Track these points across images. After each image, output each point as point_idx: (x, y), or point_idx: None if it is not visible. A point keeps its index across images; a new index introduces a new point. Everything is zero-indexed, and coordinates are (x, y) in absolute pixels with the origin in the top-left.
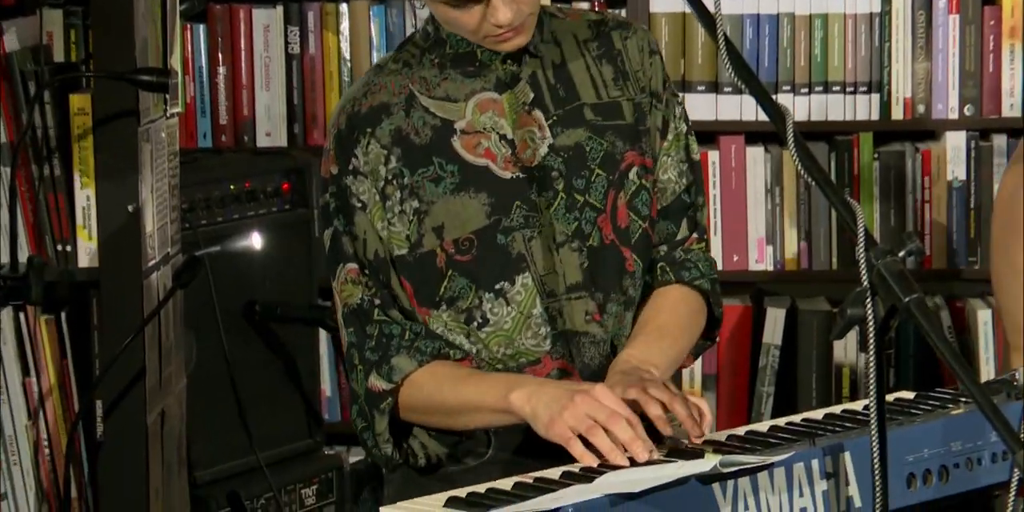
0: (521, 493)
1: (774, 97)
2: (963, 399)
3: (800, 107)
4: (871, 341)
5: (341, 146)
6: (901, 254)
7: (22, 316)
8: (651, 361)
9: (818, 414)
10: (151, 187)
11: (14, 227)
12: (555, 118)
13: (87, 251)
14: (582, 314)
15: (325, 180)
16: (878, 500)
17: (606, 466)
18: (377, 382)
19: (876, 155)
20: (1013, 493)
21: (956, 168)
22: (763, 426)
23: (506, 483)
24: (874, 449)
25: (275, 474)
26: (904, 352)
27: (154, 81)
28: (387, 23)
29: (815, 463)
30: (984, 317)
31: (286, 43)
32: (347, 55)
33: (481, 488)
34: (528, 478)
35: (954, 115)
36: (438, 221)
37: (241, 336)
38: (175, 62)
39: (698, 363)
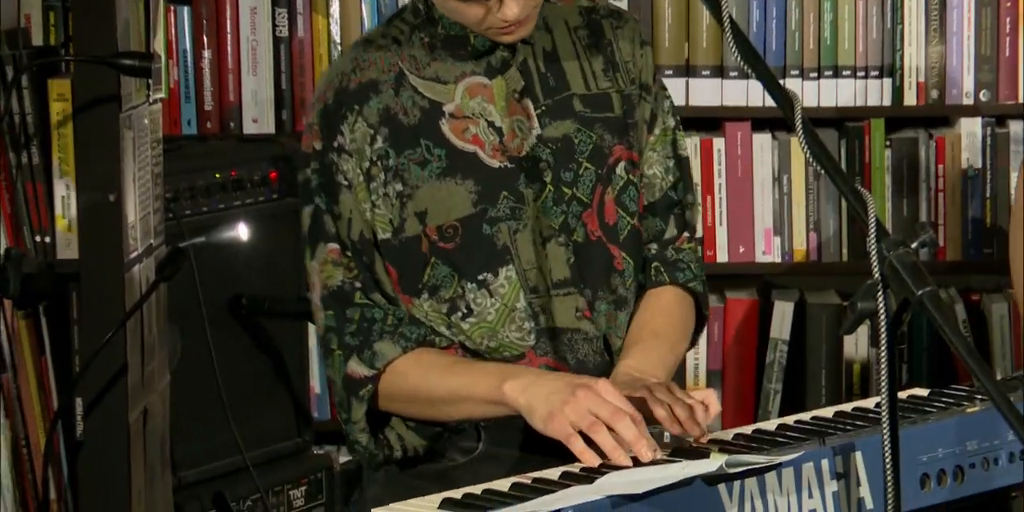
0: (519, 494)
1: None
2: (979, 396)
3: (809, 92)
4: (883, 336)
5: (327, 121)
6: (914, 245)
7: None
8: (651, 372)
9: (828, 412)
10: (133, 176)
11: None
12: (544, 108)
13: (66, 242)
14: (572, 311)
15: (307, 155)
16: (890, 502)
17: (608, 466)
18: (358, 368)
19: (888, 142)
20: None
21: (971, 156)
22: (770, 424)
23: (503, 483)
24: (886, 449)
25: (262, 475)
26: (917, 347)
27: (136, 65)
28: (379, 5)
29: (825, 463)
30: (1000, 311)
31: (274, 26)
32: (337, 38)
33: (477, 489)
34: (526, 478)
35: (969, 100)
36: (421, 206)
37: (227, 331)
38: (158, 45)
39: (703, 359)
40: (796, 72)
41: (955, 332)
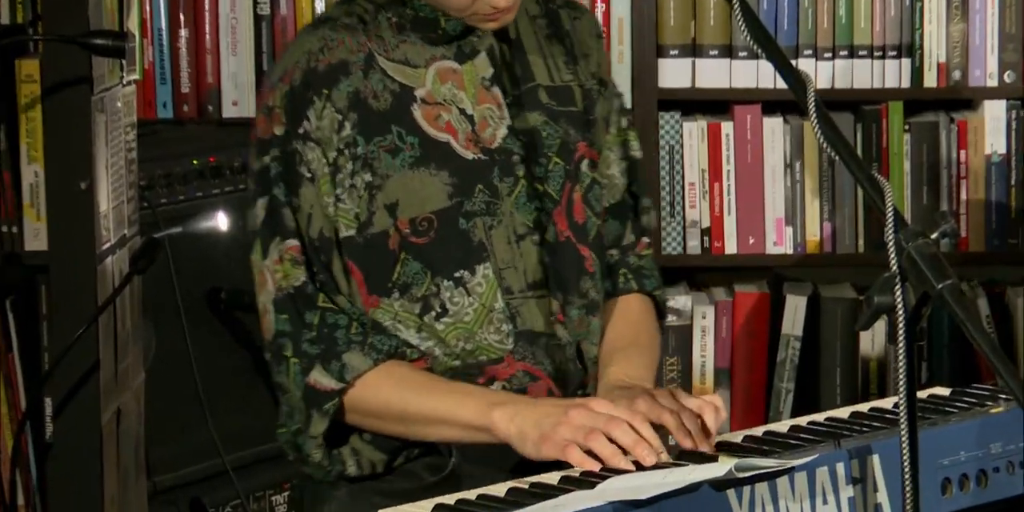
0: (515, 500)
1: (794, 62)
2: (1003, 396)
3: (823, 73)
4: (901, 332)
5: (292, 105)
6: (934, 236)
7: None
8: (640, 377)
9: (843, 412)
10: (106, 162)
11: None
12: (512, 98)
13: (35, 233)
14: (545, 315)
15: (264, 140)
16: (909, 508)
17: (610, 471)
18: (323, 379)
19: (907, 126)
20: None
21: (995, 141)
22: (782, 426)
23: (499, 489)
24: (905, 451)
25: (242, 479)
26: (937, 344)
27: (109, 45)
28: None
29: (840, 467)
30: None
31: (255, 3)
32: None
33: (472, 494)
34: (523, 483)
35: (993, 82)
36: (392, 198)
37: (205, 326)
38: (132, 24)
39: (710, 356)
40: (809, 52)
41: (978, 328)
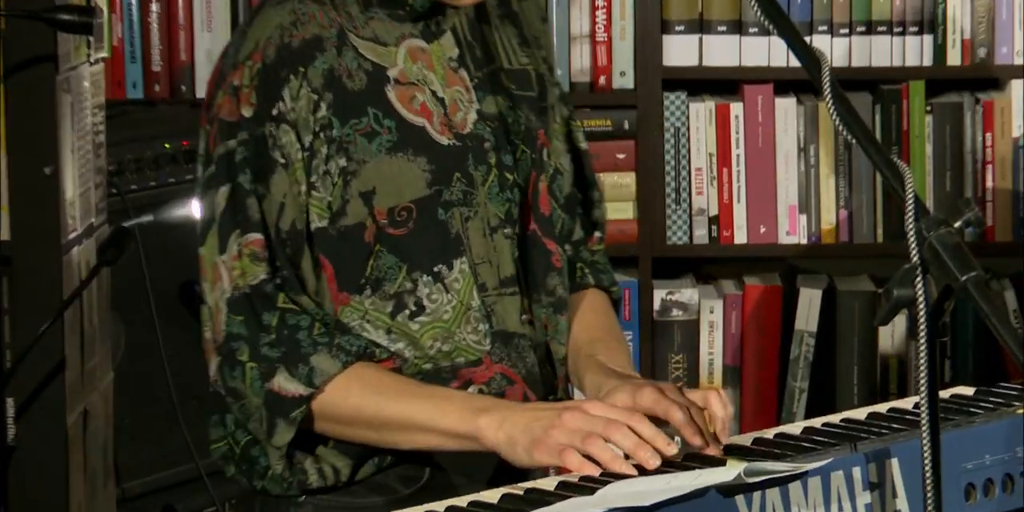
0: (509, 507)
1: (808, 39)
2: None
3: (839, 50)
4: (922, 327)
5: (265, 84)
6: (957, 224)
7: None
8: (627, 368)
9: (860, 413)
10: (72, 146)
11: None
12: (477, 80)
13: None
14: (517, 313)
15: (229, 124)
16: None
17: (610, 475)
18: (289, 384)
19: (929, 107)
20: None
21: (1023, 123)
22: (795, 428)
23: (492, 495)
24: (926, 455)
25: (218, 485)
26: (961, 340)
27: (75, 21)
28: None
29: (857, 471)
30: None
31: None
32: None
33: (463, 501)
34: (517, 489)
35: (1021, 60)
36: (368, 185)
37: (178, 322)
38: None
39: (718, 353)
40: (824, 28)
41: (1004, 323)
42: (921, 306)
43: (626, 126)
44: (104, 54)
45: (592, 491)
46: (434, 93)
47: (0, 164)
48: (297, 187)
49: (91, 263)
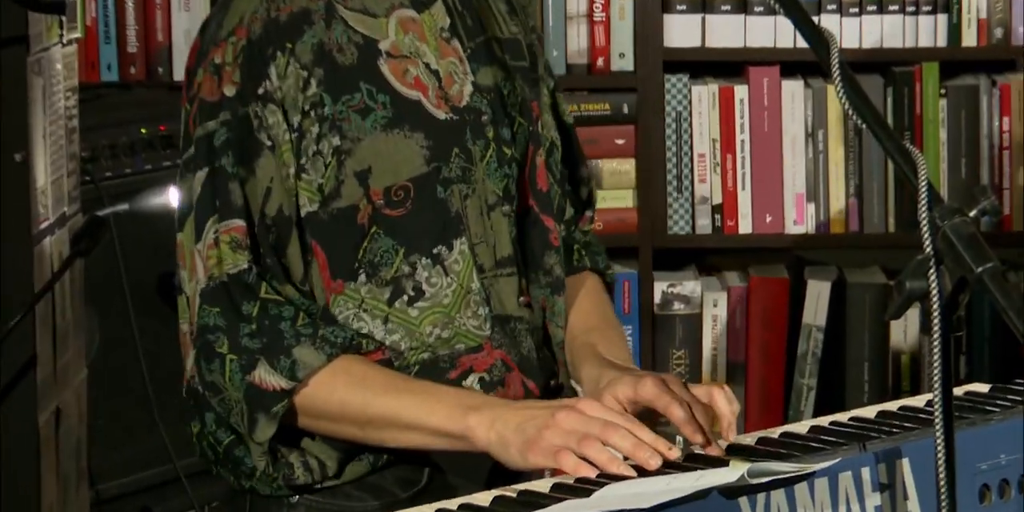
0: (501, 509)
1: (816, 19)
2: None
3: (849, 31)
4: (936, 321)
5: (250, 61)
6: (973, 213)
7: None
8: (625, 358)
9: (870, 412)
10: (44, 131)
11: None
12: (471, 50)
13: None
14: (514, 295)
15: (210, 104)
16: None
17: (608, 477)
18: (270, 377)
19: (943, 90)
20: None
21: None
22: (802, 426)
23: (483, 498)
24: (939, 455)
25: (196, 487)
26: (977, 335)
27: (47, 0)
28: None
29: (866, 472)
30: None
31: None
32: None
33: (453, 504)
34: (510, 491)
35: None
36: (363, 164)
37: (155, 316)
38: None
39: (722, 348)
40: (833, 7)
41: (1021, 316)
42: (935, 299)
43: (625, 110)
44: (77, 35)
45: (589, 493)
46: (427, 65)
47: None
48: (285, 170)
49: (64, 254)
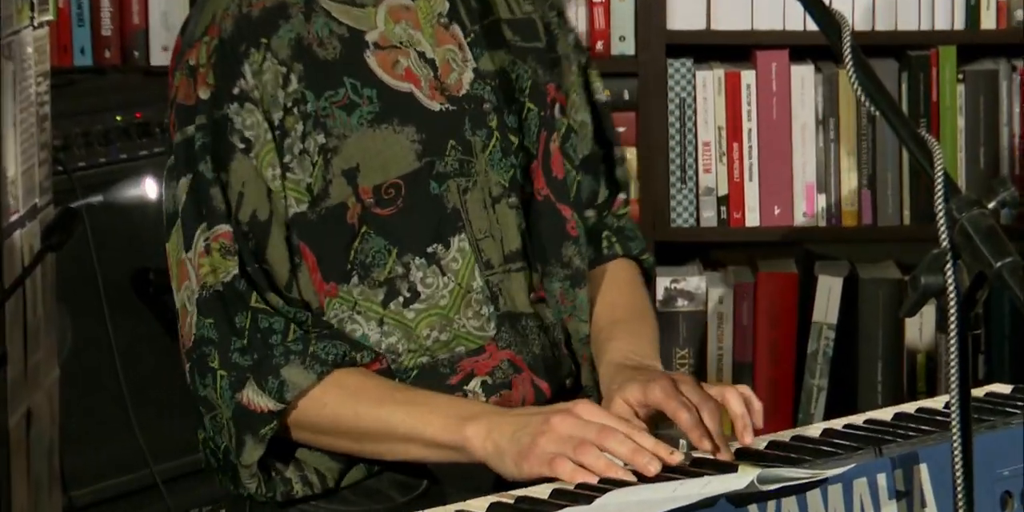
0: None
1: (827, 0)
2: None
3: (861, 13)
4: (953, 319)
5: (223, 60)
6: (992, 205)
7: None
8: (648, 354)
9: (885, 414)
10: (14, 119)
11: None
12: (473, 35)
13: None
14: (525, 291)
15: (186, 108)
16: None
17: (609, 483)
18: (257, 398)
19: (961, 76)
20: None
21: None
22: (814, 430)
23: (479, 504)
24: (957, 460)
25: (174, 493)
26: (997, 333)
27: None
28: None
29: (881, 478)
30: None
31: None
32: None
33: (447, 510)
34: (508, 497)
35: None
36: (351, 162)
37: (130, 314)
38: None
39: (728, 348)
40: None
41: None
42: (952, 295)
43: (626, 96)
44: (49, 17)
45: (589, 500)
46: (422, 55)
47: None
48: (265, 172)
49: (35, 248)
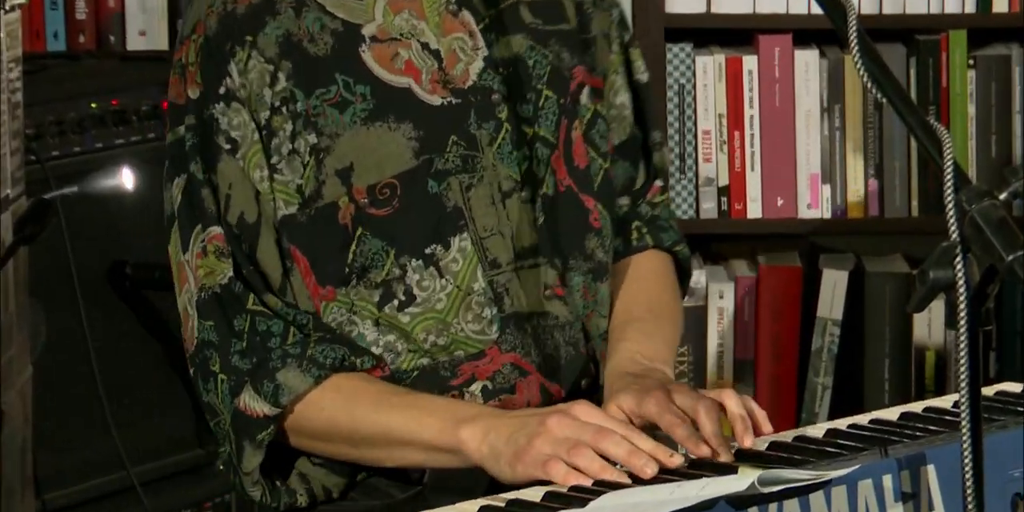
0: None
1: None
2: None
3: None
4: (963, 314)
5: (208, 59)
6: (1003, 196)
7: None
8: (659, 357)
9: (892, 413)
10: None
11: None
12: (487, 21)
13: None
14: (538, 288)
15: (177, 107)
16: None
17: (605, 485)
18: (254, 403)
19: (971, 61)
20: None
21: None
22: (817, 430)
23: (470, 507)
24: (967, 461)
25: (153, 496)
26: (1009, 329)
27: None
28: None
29: (887, 480)
30: None
31: None
32: None
33: None
34: (499, 500)
35: None
36: (344, 161)
37: (106, 309)
38: None
39: (729, 344)
40: None
41: None
42: (961, 290)
43: None
44: (21, 0)
45: (584, 503)
46: (425, 46)
47: None
48: (251, 173)
49: (7, 241)
